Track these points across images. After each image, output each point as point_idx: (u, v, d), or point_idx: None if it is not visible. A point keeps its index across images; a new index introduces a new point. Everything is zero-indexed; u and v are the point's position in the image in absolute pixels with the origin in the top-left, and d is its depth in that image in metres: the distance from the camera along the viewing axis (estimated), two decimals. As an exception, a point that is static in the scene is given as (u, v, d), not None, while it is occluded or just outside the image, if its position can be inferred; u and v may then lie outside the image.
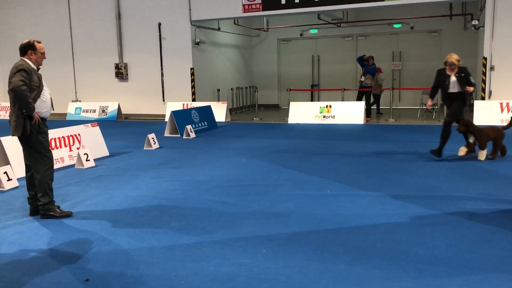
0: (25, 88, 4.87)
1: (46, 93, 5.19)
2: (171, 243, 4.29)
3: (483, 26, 13.43)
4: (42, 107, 5.10)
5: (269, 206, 5.43)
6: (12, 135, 5.05)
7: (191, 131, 11.51)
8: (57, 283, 3.52)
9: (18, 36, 18.58)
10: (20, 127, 4.94)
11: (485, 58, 13.08)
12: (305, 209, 5.26)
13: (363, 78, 14.42)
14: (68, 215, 5.22)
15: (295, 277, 3.52)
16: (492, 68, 13.00)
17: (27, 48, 5.08)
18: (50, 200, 5.18)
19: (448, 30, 17.78)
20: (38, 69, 5.19)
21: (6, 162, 7.02)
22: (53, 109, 5.37)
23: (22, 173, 7.21)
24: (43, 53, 5.18)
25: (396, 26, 18.43)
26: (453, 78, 7.87)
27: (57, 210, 5.22)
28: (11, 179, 6.65)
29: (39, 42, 5.18)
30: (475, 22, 14.40)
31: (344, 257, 3.88)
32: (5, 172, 6.61)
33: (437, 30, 18.08)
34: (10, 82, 4.93)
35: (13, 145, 7.23)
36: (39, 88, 5.08)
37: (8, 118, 5.17)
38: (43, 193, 5.13)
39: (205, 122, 13.01)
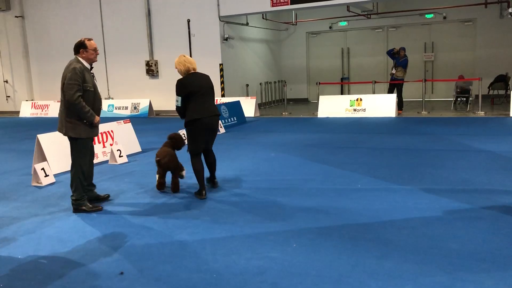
0: (80, 101, 5.02)
1: (99, 94, 5.39)
2: (202, 237, 4.35)
3: (520, 14, 12.95)
4: (97, 105, 5.31)
5: (299, 200, 5.42)
6: (62, 133, 5.21)
7: (221, 127, 11.58)
8: (93, 276, 3.63)
9: (52, 35, 19.11)
10: (76, 131, 5.15)
11: (522, 47, 12.62)
12: (335, 203, 5.23)
13: (394, 71, 14.15)
14: (99, 209, 5.36)
15: (326, 271, 3.52)
16: (529, 57, 12.53)
17: (79, 47, 5.20)
18: (82, 196, 5.33)
19: (482, 19, 17.23)
20: (92, 67, 5.34)
21: (43, 158, 7.24)
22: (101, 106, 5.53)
23: (59, 169, 7.48)
24: (94, 50, 5.25)
25: (428, 16, 17.99)
26: None
27: (88, 204, 5.35)
28: (48, 175, 6.87)
29: (89, 40, 5.27)
30: (511, 9, 13.89)
31: (376, 251, 3.85)
32: (43, 168, 6.84)
33: (471, 19, 17.55)
34: (63, 84, 5.09)
35: (50, 142, 7.47)
36: (94, 87, 5.22)
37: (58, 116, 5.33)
38: (75, 189, 5.30)
39: (235, 118, 13.07)
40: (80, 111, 5.06)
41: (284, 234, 4.33)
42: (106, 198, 5.76)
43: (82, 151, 5.28)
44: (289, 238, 4.23)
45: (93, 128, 5.29)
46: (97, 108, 5.31)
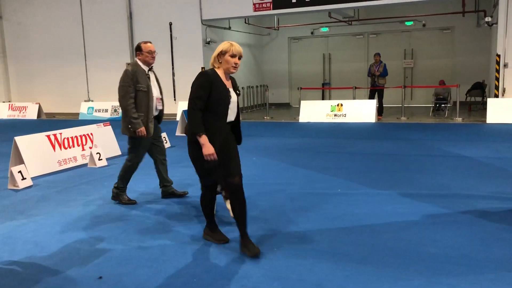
0: (129, 104, 5.26)
1: (154, 93, 5.44)
2: (183, 241, 4.33)
3: (496, 23, 13.27)
4: (152, 105, 5.41)
5: (280, 204, 5.44)
6: (122, 132, 5.52)
7: (202, 130, 11.53)
8: (70, 281, 3.58)
9: (31, 36, 18.82)
10: (130, 131, 5.35)
11: (499, 55, 12.93)
12: (316, 208, 5.27)
13: (376, 79, 14.28)
14: (133, 203, 5.59)
15: (306, 275, 3.53)
16: (505, 65, 12.85)
17: (136, 50, 5.43)
18: (123, 187, 5.62)
19: (460, 27, 17.61)
20: (150, 68, 5.46)
21: (21, 161, 7.12)
22: (162, 107, 5.62)
23: (37, 172, 7.35)
24: (149, 52, 5.36)
25: (407, 23, 18.30)
26: None
27: (125, 197, 5.63)
28: (25, 178, 6.75)
29: (146, 42, 5.40)
30: (488, 19, 14.24)
31: (356, 255, 3.88)
32: (20, 171, 6.71)
33: (449, 27, 17.92)
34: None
35: (27, 145, 7.35)
36: (148, 88, 5.33)
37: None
38: (121, 179, 5.58)
39: (216, 121, 13.02)
40: (127, 114, 5.29)
41: (264, 238, 4.33)
42: (183, 195, 5.87)
43: (136, 149, 5.48)
44: (271, 242, 4.24)
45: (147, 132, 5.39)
46: (151, 107, 5.39)
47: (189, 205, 5.54)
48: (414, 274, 3.49)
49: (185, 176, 7.05)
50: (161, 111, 5.63)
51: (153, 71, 5.57)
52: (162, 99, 5.61)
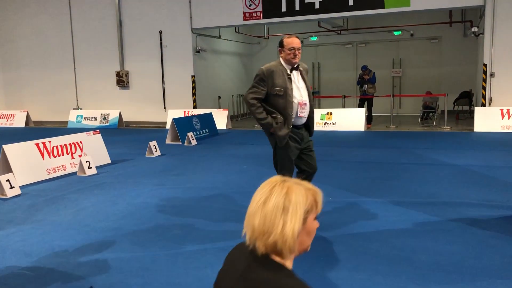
0: (252, 103, 4.47)
1: (295, 97, 4.51)
2: (174, 251, 4.30)
3: (482, 33, 13.49)
4: (289, 111, 4.47)
5: (271, 213, 5.42)
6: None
7: (193, 139, 11.53)
8: (61, 291, 3.53)
9: (20, 44, 18.69)
10: (270, 138, 4.67)
11: (485, 65, 13.13)
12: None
13: (365, 88, 14.40)
14: None
15: (299, 284, 3.52)
16: (492, 74, 13.05)
17: (278, 46, 4.59)
18: None
19: (448, 37, 17.86)
20: (295, 68, 4.53)
21: (9, 170, 7.04)
22: (306, 114, 4.62)
23: (25, 181, 7.27)
24: (291, 49, 4.42)
25: (396, 33, 18.52)
26: None
27: None
28: (13, 187, 6.66)
29: (289, 37, 4.51)
30: (474, 29, 14.47)
31: (347, 263, 3.89)
32: (8, 180, 6.63)
33: (437, 37, 18.16)
34: None
35: (16, 153, 7.27)
36: (285, 91, 4.44)
37: None
38: None
39: (207, 130, 13.04)
40: (254, 115, 4.53)
41: (256, 247, 4.31)
42: None
43: (281, 159, 4.70)
44: (262, 250, 4.22)
45: (279, 137, 4.52)
46: (289, 113, 4.45)
47: (181, 214, 5.51)
48: (406, 282, 3.50)
49: (176, 185, 7.01)
50: (308, 119, 4.68)
51: (300, 70, 4.58)
52: (308, 104, 4.59)
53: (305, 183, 1.61)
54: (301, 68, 4.58)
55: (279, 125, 4.47)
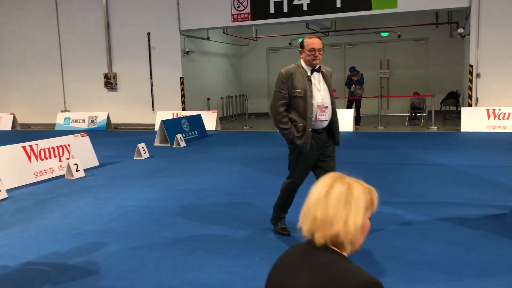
0: (280, 113, 4.35)
1: (315, 98, 4.33)
2: (163, 253, 4.28)
3: (468, 34, 13.65)
4: (309, 113, 4.33)
5: (261, 214, 5.43)
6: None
7: (181, 140, 11.49)
8: (48, 295, 3.49)
9: (6, 47, 18.47)
10: (288, 142, 4.54)
11: (471, 66, 13.29)
12: (295, 217, 5.26)
13: (353, 89, 14.48)
14: (285, 234, 4.64)
15: (288, 285, 3.53)
16: (478, 75, 13.20)
17: (299, 47, 4.41)
18: (278, 214, 4.74)
19: (434, 38, 18.04)
20: (316, 70, 4.36)
21: (-5, 173, 6.95)
22: (327, 117, 4.42)
23: (12, 184, 7.18)
24: (311, 50, 4.23)
25: (383, 34, 18.66)
26: None
27: (279, 225, 4.72)
28: (0, 190, 6.58)
29: (310, 37, 4.33)
30: (461, 30, 14.64)
31: (336, 264, 3.90)
32: (-6, 183, 6.55)
33: (424, 38, 18.33)
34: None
35: (1, 156, 7.18)
36: (304, 93, 4.28)
37: None
38: (276, 204, 4.76)
39: (196, 131, 13.01)
40: (278, 124, 4.41)
41: (246, 249, 4.32)
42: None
43: (295, 164, 4.60)
44: (252, 252, 4.23)
45: (299, 145, 4.40)
46: (309, 116, 4.30)
47: (170, 217, 5.48)
48: (394, 281, 3.53)
49: (165, 187, 6.99)
50: (331, 123, 4.45)
51: (322, 72, 4.42)
52: (329, 107, 4.40)
53: (362, 182, 1.69)
54: (323, 70, 4.43)
55: (300, 133, 4.34)
